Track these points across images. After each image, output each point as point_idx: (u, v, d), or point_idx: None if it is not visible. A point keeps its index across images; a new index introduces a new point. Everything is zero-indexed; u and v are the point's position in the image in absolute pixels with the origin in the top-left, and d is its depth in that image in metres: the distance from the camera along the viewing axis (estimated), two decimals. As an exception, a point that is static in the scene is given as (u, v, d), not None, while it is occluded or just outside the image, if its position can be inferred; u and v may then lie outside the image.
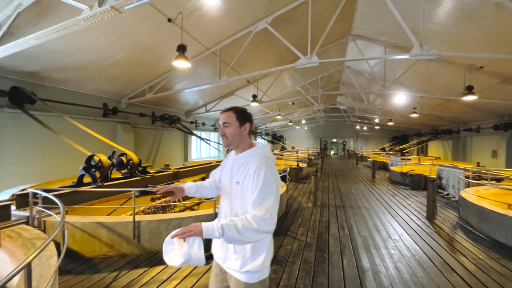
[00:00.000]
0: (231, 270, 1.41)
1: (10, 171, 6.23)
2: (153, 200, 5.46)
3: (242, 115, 1.48)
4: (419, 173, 9.33)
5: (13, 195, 4.06)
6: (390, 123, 22.18)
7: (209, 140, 14.97)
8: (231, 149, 1.63)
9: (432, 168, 10.09)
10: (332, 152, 36.40)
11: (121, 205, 4.94)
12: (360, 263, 3.30)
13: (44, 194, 2.99)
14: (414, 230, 4.60)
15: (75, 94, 7.85)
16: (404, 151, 21.37)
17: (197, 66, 9.12)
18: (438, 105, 14.23)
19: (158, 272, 2.89)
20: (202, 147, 17.67)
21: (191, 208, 6.46)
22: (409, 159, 15.86)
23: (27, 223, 3.08)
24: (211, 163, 10.21)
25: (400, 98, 13.31)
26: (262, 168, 1.33)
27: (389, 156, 15.58)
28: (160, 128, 12.03)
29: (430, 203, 5.22)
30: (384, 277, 2.97)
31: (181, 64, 6.04)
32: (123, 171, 5.12)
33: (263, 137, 26.69)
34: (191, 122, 14.55)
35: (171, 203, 6.14)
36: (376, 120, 24.07)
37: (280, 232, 4.38)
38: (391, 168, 11.86)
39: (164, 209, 5.89)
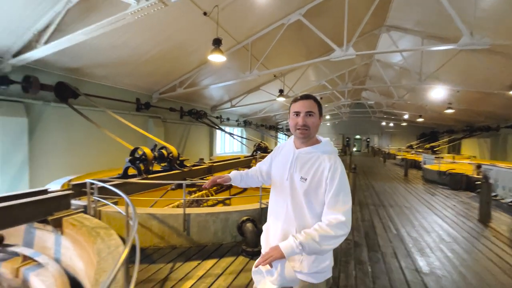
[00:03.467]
0: (299, 274, 1.30)
1: (56, 162, 6.56)
2: (189, 193, 5.52)
3: (321, 106, 1.38)
4: (459, 172, 8.75)
5: (69, 184, 4.24)
6: (420, 119, 21.11)
7: (239, 136, 15.03)
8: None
9: (468, 167, 9.45)
10: (355, 149, 35.37)
11: (160, 197, 5.03)
12: (418, 266, 3.10)
13: (101, 184, 3.07)
14: (469, 233, 4.28)
15: (111, 89, 8.11)
16: (434, 149, 20.26)
17: (226, 61, 9.11)
18: (477, 99, 13.26)
19: (212, 266, 2.88)
20: (226, 142, 17.81)
21: (223, 202, 6.48)
22: (442, 157, 15.01)
23: (85, 212, 3.18)
24: (239, 157, 10.22)
25: (436, 93, 12.54)
26: (337, 167, 1.27)
27: (421, 154, 14.82)
28: (188, 123, 12.21)
29: (484, 205, 4.84)
30: (449, 282, 2.76)
31: (216, 58, 6.01)
32: (163, 164, 5.21)
33: (285, 133, 26.44)
34: (217, 117, 14.65)
35: (205, 198, 6.18)
36: (405, 116, 22.99)
37: (324, 229, 4.25)
38: (425, 166, 11.25)
39: (197, 202, 5.95)
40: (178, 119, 11.54)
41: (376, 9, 6.95)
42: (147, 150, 4.48)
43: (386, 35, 10.55)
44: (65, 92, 6.20)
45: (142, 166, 4.45)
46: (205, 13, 6.22)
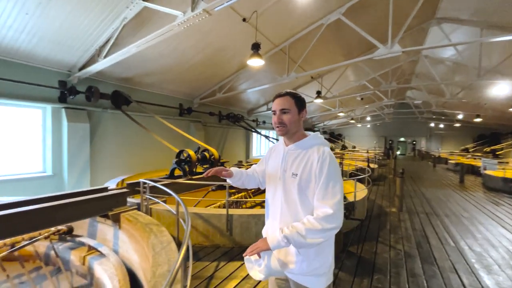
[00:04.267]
0: (295, 275, 1.28)
1: (111, 163, 7.27)
2: (229, 195, 5.66)
3: (300, 101, 1.34)
4: (531, 180, 7.59)
5: (123, 183, 4.66)
6: (477, 120, 18.84)
7: (274, 138, 15.06)
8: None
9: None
10: (399, 152, 32.90)
11: (203, 197, 5.23)
12: (485, 285, 2.74)
13: (152, 183, 3.32)
14: (549, 251, 3.67)
15: (157, 96, 8.74)
16: (496, 153, 17.89)
17: (263, 65, 9.21)
18: (552, 95, 11.42)
19: (255, 267, 2.91)
20: (262, 145, 17.93)
21: (260, 204, 6.51)
22: (507, 162, 13.15)
23: (138, 209, 3.45)
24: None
25: (498, 89, 11.10)
26: (326, 158, 1.23)
27: (480, 159, 13.20)
28: (226, 126, 12.59)
29: None
30: (526, 306, 2.39)
31: (255, 62, 6.11)
32: (205, 166, 5.45)
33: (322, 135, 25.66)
34: (253, 120, 14.86)
35: (244, 200, 6.26)
36: (459, 116, 20.73)
37: (370, 237, 4.01)
38: (486, 172, 9.98)
39: (236, 204, 6.07)
40: (217, 122, 11.97)
41: (425, 0, 6.43)
42: (192, 153, 4.73)
43: (436, 28, 9.69)
44: (119, 100, 6.85)
45: (187, 168, 4.71)
46: (244, 19, 6.38)
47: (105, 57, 5.48)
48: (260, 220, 3.45)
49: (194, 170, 4.86)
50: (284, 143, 1.39)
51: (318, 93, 11.36)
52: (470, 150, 21.52)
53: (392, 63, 12.55)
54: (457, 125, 24.64)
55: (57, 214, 2.81)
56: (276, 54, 8.61)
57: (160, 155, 8.46)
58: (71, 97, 6.11)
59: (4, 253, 2.77)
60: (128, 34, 5.39)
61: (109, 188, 3.60)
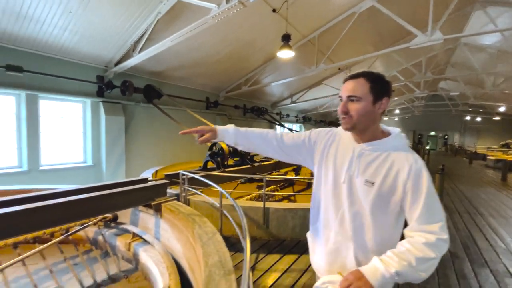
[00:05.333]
0: None
1: (145, 154, 7.58)
2: (259, 188, 5.69)
3: (380, 85, 1.02)
4: None
5: (156, 174, 4.83)
6: (522, 112, 17.29)
7: (296, 131, 14.90)
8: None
9: None
10: (428, 147, 31.17)
11: (233, 189, 5.30)
12: (547, 292, 2.54)
13: (191, 175, 3.42)
14: None
15: (186, 90, 8.91)
16: (543, 149, 16.37)
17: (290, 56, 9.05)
18: None
19: (294, 261, 2.91)
20: (285, 139, 17.79)
21: (288, 198, 6.48)
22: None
23: (177, 199, 3.56)
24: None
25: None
26: (420, 170, 0.97)
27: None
28: (250, 120, 12.62)
29: None
30: None
31: (285, 54, 6.00)
32: (235, 159, 5.51)
33: (346, 129, 24.94)
34: (277, 113, 14.75)
35: (273, 193, 6.26)
36: (501, 109, 19.13)
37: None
38: (534, 169, 9.17)
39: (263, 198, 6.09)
40: (241, 116, 12.03)
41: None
42: (224, 145, 4.79)
43: (480, 12, 8.91)
44: (151, 94, 7.07)
45: (219, 160, 4.79)
46: (274, 10, 6.25)
47: (139, 52, 5.64)
48: (296, 215, 3.43)
49: (225, 163, 4.94)
50: (353, 138, 1.12)
51: (346, 85, 10.98)
52: (511, 146, 19.87)
53: (426, 52, 11.78)
54: (497, 118, 22.80)
55: (105, 203, 2.96)
56: (304, 45, 8.41)
57: (189, 147, 8.68)
58: (108, 91, 6.40)
59: (60, 237, 2.98)
60: (161, 28, 5.49)
61: (148, 179, 3.75)
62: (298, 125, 18.53)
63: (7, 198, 2.50)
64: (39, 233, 2.98)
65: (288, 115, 16.05)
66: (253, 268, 2.75)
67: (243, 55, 8.09)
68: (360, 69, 1.16)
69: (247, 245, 1.33)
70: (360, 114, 1.01)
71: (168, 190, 3.90)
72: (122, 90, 6.56)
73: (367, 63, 11.39)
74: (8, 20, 4.39)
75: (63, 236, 3.00)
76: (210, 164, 4.89)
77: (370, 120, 1.04)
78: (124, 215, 3.74)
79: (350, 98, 1.02)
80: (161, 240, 3.29)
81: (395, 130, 1.10)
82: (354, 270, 0.97)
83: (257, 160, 6.02)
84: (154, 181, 3.61)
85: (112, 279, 2.89)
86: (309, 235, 1.31)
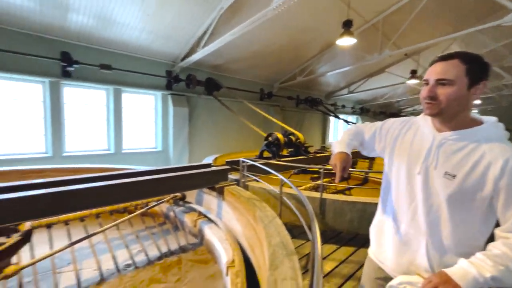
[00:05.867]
0: None
1: (205, 142, 8.23)
2: (313, 179, 5.66)
3: (478, 67, 0.90)
4: None
5: (217, 161, 5.23)
6: None
7: (352, 123, 14.15)
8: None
9: None
10: (518, 144, 25.88)
11: (288, 177, 5.38)
12: None
13: (251, 162, 3.63)
14: None
15: (241, 81, 9.25)
16: None
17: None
18: None
19: (352, 253, 2.89)
20: (340, 130, 17.04)
21: (343, 192, 6.27)
22: None
23: (237, 185, 3.83)
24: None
25: None
26: None
27: None
28: (303, 111, 12.44)
29: None
30: None
31: (346, 41, 5.70)
32: (290, 150, 5.58)
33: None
34: (332, 104, 14.18)
35: (327, 184, 6.14)
36: None
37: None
38: None
39: (316, 190, 6.02)
40: (294, 107, 11.93)
41: None
42: (280, 136, 4.90)
43: None
44: (211, 86, 7.56)
45: (275, 150, 4.93)
46: (334, -5, 5.97)
47: (203, 47, 6.06)
48: (354, 208, 3.36)
49: (280, 153, 5.04)
50: (434, 126, 1.03)
51: (413, 73, 9.88)
52: None
53: (522, 30, 9.72)
54: None
55: (176, 183, 3.37)
56: (367, 31, 7.82)
57: (244, 137, 9.09)
58: (175, 84, 7.09)
59: (142, 210, 3.52)
60: (224, 23, 5.79)
61: (211, 165, 4.10)
62: (354, 116, 17.48)
63: (103, 174, 3.07)
64: (126, 204, 3.57)
65: (343, 106, 15.27)
66: (307, 255, 2.83)
67: (299, 45, 7.97)
68: (433, 54, 1.07)
69: (317, 231, 1.40)
70: (451, 99, 0.91)
71: (230, 176, 4.21)
72: (186, 83, 7.18)
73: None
74: (102, 26, 5.21)
75: (144, 209, 3.54)
76: (266, 154, 5.07)
77: (461, 106, 0.94)
78: (191, 195, 4.19)
79: (440, 82, 0.92)
80: (223, 220, 3.59)
81: (490, 119, 0.97)
82: (438, 272, 0.91)
83: (311, 151, 5.98)
84: (217, 167, 3.94)
85: (182, 249, 3.31)
86: (374, 226, 1.28)
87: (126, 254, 2.96)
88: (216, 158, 6.34)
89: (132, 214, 3.37)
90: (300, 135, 5.37)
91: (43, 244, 2.75)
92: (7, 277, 1.89)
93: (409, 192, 1.05)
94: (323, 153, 6.18)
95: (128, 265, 2.86)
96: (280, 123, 6.72)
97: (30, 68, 5.13)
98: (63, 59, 5.26)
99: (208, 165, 4.06)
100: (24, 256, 2.37)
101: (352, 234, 3.32)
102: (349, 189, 6.33)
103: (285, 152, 5.60)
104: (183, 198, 4.05)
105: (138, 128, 7.17)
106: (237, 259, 2.43)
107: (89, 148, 6.33)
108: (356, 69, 10.76)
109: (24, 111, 5.49)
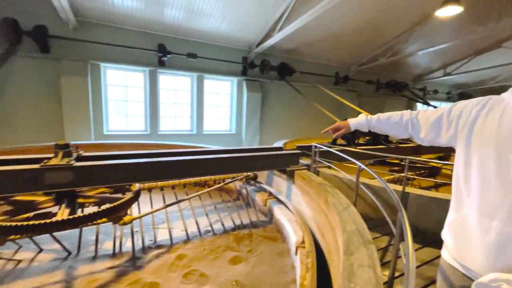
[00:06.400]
0: None
1: (274, 127, 8.39)
2: (391, 171, 5.12)
3: None
4: None
5: (286, 145, 5.27)
6: None
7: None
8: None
9: None
10: None
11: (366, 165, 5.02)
12: None
13: (325, 148, 3.54)
14: None
15: (314, 66, 8.89)
16: None
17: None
18: None
19: (438, 256, 2.55)
20: (427, 121, 14.70)
21: (428, 188, 5.47)
22: None
23: (308, 170, 3.81)
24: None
25: None
26: None
27: None
28: (383, 96, 11.19)
29: None
30: None
31: (449, 11, 4.75)
32: (366, 138, 5.16)
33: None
34: (420, 89, 12.26)
35: (409, 176, 5.48)
36: None
37: None
38: None
39: (395, 183, 5.41)
40: (373, 92, 10.83)
41: None
42: (357, 122, 4.57)
43: None
44: (284, 71, 7.54)
45: (350, 137, 4.63)
46: (436, -44, 4.99)
47: (278, 31, 6.04)
48: (444, 206, 2.90)
49: (356, 141, 4.71)
50: None
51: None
52: None
53: None
54: None
55: (250, 163, 3.56)
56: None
57: (315, 124, 8.83)
58: (250, 70, 7.35)
59: (219, 185, 3.89)
60: (300, 5, 5.60)
61: (283, 148, 4.16)
62: (448, 103, 14.72)
63: (190, 150, 3.50)
64: (207, 178, 4.01)
65: (436, 91, 13.00)
66: (385, 249, 2.63)
67: (383, 22, 7.07)
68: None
69: (407, 225, 1.28)
70: None
71: (301, 161, 4.21)
72: (260, 69, 7.35)
73: None
74: (190, 18, 5.77)
75: (220, 185, 3.90)
76: (339, 141, 4.81)
77: None
78: (262, 176, 4.39)
79: None
80: (292, 202, 3.65)
81: None
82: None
83: (393, 141, 5.37)
84: (288, 150, 3.99)
85: (253, 224, 3.53)
86: (449, 225, 1.10)
87: (206, 222, 3.36)
88: (285, 143, 6.40)
89: (211, 188, 3.78)
90: (380, 122, 4.89)
91: (146, 204, 3.38)
92: (125, 224, 2.41)
93: (502, 181, 0.88)
94: (408, 143, 5.46)
95: (208, 231, 3.26)
96: (357, 108, 6.22)
97: (135, 59, 6.15)
98: (159, 50, 6.10)
99: (280, 148, 4.14)
100: (134, 211, 2.96)
101: (437, 235, 2.88)
102: (437, 187, 5.49)
103: (361, 141, 5.20)
104: (254, 178, 4.29)
105: (216, 112, 7.82)
106: (307, 240, 2.46)
107: (176, 129, 7.30)
108: (457, 46, 8.89)
109: (130, 96, 6.69)
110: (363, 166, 2.43)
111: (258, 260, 2.71)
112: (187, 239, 3.03)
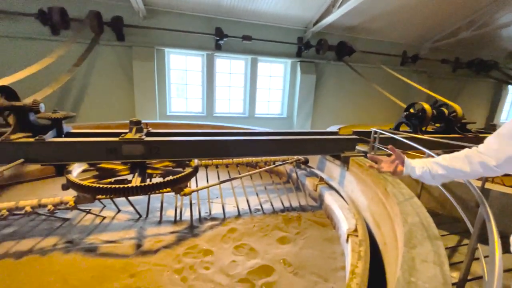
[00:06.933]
0: None
1: (328, 111, 8.01)
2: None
3: None
4: None
5: (340, 131, 4.98)
6: None
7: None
8: None
9: None
10: None
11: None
12: None
13: (388, 134, 3.23)
14: None
15: (379, 44, 8.02)
16: None
17: None
18: None
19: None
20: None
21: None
22: None
23: (365, 157, 3.56)
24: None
25: None
26: None
27: None
28: (462, 78, 9.55)
29: None
30: None
31: None
32: (437, 125, 4.52)
33: None
34: (514, 69, 10.08)
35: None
36: None
37: None
38: None
39: (469, 178, 4.64)
40: (450, 73, 9.32)
41: None
42: (427, 106, 4.00)
43: None
44: (343, 51, 7.01)
45: (417, 124, 4.11)
46: None
47: (339, 7, 5.58)
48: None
49: (424, 128, 4.16)
50: None
51: None
52: None
53: None
54: None
55: (302, 146, 3.48)
56: None
57: (374, 109, 8.13)
58: (305, 51, 7.05)
59: (270, 167, 3.94)
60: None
61: (338, 133, 3.95)
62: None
63: (243, 131, 3.59)
64: (258, 160, 4.09)
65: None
66: (454, 249, 2.33)
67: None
68: None
69: (493, 227, 1.10)
70: None
71: (357, 147, 3.95)
72: (317, 49, 6.98)
73: None
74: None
75: (271, 166, 3.95)
76: (403, 128, 4.32)
77: None
78: (313, 160, 4.29)
79: None
80: (344, 189, 3.50)
81: None
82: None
83: (471, 129, 4.57)
84: (344, 135, 3.78)
85: (302, 208, 3.52)
86: None
87: (256, 201, 3.48)
88: (340, 129, 6.06)
89: (262, 169, 3.86)
90: (457, 107, 4.14)
91: (202, 180, 3.65)
92: (185, 195, 2.65)
93: None
94: (490, 132, 4.60)
95: (258, 210, 3.37)
96: (428, 91, 5.45)
97: (195, 43, 6.47)
98: (216, 33, 6.28)
99: (335, 133, 3.95)
100: (192, 185, 3.23)
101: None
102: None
103: (429, 128, 4.57)
104: (306, 162, 4.21)
105: (268, 95, 7.81)
106: (360, 228, 2.35)
107: (230, 111, 7.57)
108: None
109: (189, 79, 7.12)
110: (434, 156, 2.14)
111: (306, 243, 2.71)
112: (238, 215, 3.20)
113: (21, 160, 2.14)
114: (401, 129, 4.27)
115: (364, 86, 7.57)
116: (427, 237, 1.54)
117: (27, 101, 2.26)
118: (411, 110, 4.41)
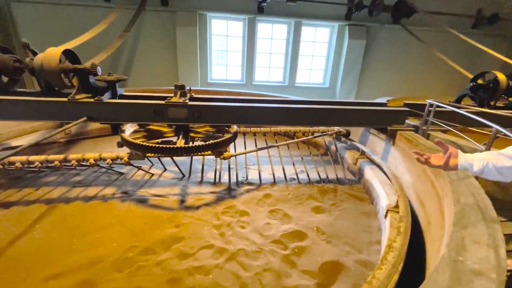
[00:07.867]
0: None
1: (377, 81, 7.35)
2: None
3: None
4: None
5: (388, 101, 4.57)
6: None
7: None
8: None
9: None
10: None
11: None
12: None
13: (446, 106, 2.87)
14: None
15: (446, 2, 6.82)
16: None
17: None
18: None
19: None
20: None
21: None
22: None
23: (415, 131, 3.26)
24: None
25: None
26: None
27: None
28: (554, 44, 7.81)
29: None
30: None
31: None
32: (510, 99, 3.86)
33: None
34: None
35: None
36: None
37: None
38: None
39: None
40: (537, 37, 7.67)
41: None
42: (502, 77, 3.39)
43: None
44: (400, 11, 6.15)
45: (485, 97, 3.55)
46: None
47: (402, -44, 4.78)
48: None
49: (494, 102, 3.58)
50: None
51: None
52: None
53: None
54: None
55: (344, 117, 3.29)
56: None
57: (433, 79, 7.21)
58: (355, 13, 6.34)
59: (308, 137, 3.85)
60: None
61: (386, 104, 3.63)
62: None
63: (281, 99, 3.51)
64: (296, 129, 4.02)
65: None
66: (507, 235, 2.11)
67: None
68: None
69: None
70: None
71: (407, 121, 3.62)
72: (369, 10, 6.23)
73: None
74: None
75: (309, 137, 3.86)
76: (465, 101, 3.76)
77: None
78: (354, 133, 4.07)
79: None
80: (387, 165, 3.31)
81: None
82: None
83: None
84: (392, 107, 3.47)
85: (339, 181, 3.44)
86: None
87: (292, 170, 3.49)
88: (389, 101, 5.57)
89: (300, 139, 3.80)
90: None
91: (240, 146, 3.74)
92: (224, 158, 2.77)
93: None
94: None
95: (293, 179, 3.39)
96: (507, 59, 4.59)
97: (236, 6, 6.23)
98: (260, -5, 5.94)
99: (383, 104, 3.64)
100: (231, 151, 3.34)
101: None
102: None
103: (499, 103, 3.92)
104: (347, 135, 4.01)
105: (310, 63, 7.38)
106: (402, 205, 2.23)
107: (270, 80, 7.40)
108: None
109: (230, 46, 7.02)
110: (504, 131, 1.87)
111: (341, 215, 2.69)
112: (274, 182, 3.26)
113: (84, 118, 2.41)
114: (463, 102, 3.74)
115: (420, 54, 6.67)
116: (482, 219, 1.40)
117: (87, 64, 2.47)
118: (479, 81, 3.81)
